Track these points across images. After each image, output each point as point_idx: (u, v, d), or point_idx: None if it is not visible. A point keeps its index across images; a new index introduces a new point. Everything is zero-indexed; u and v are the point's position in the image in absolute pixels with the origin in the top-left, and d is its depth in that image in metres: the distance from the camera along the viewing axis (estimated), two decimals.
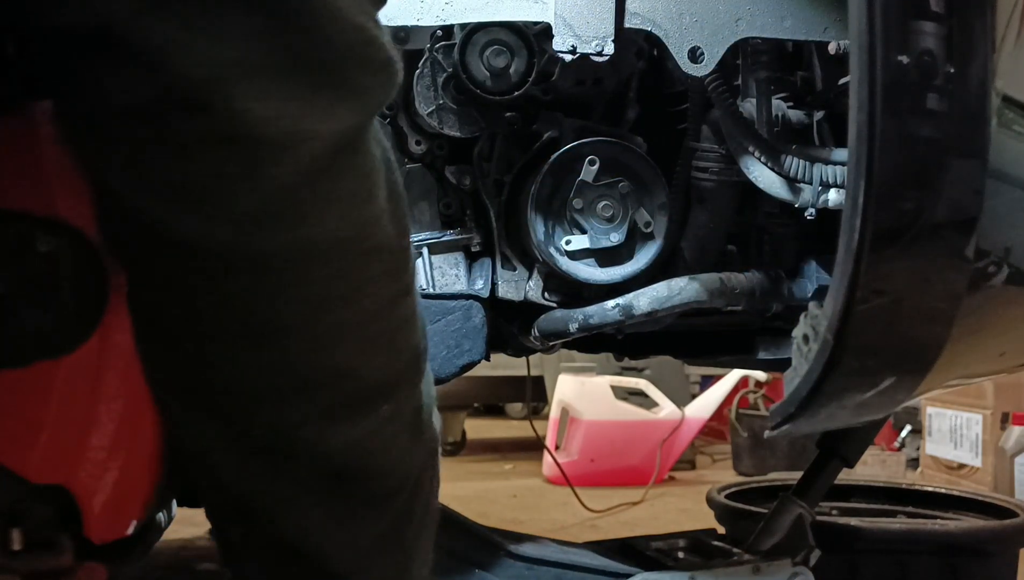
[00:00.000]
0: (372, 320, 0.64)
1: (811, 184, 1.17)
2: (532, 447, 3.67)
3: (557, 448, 3.56)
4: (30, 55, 0.60)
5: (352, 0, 0.57)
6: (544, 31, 1.23)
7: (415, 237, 1.34)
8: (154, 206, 0.57)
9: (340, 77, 0.57)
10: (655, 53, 1.36)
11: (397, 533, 0.73)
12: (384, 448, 0.68)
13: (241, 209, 0.56)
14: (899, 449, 3.72)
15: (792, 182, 1.19)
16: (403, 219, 0.66)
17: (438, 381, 1.30)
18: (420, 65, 1.29)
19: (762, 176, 1.20)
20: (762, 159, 1.20)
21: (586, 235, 1.29)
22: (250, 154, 0.55)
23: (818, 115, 1.29)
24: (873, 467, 3.33)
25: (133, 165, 0.56)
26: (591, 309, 1.30)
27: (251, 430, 0.65)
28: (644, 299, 1.27)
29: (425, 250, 1.35)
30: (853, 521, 1.88)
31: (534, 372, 3.78)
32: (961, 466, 3.28)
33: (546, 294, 1.36)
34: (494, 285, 1.36)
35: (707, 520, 2.00)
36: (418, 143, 1.35)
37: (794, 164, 1.18)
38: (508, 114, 1.33)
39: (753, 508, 1.86)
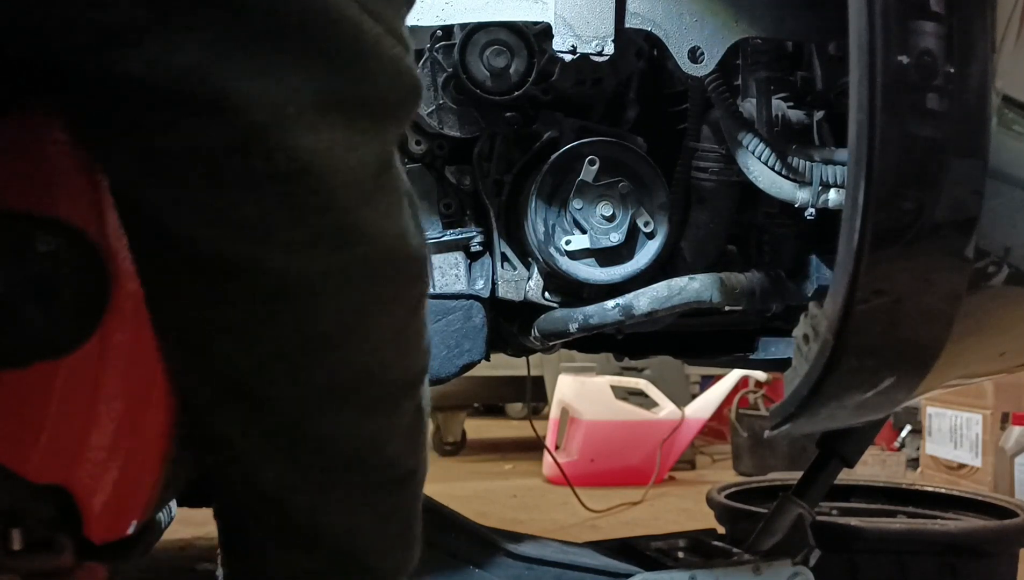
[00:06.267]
0: (404, 324, 0.69)
1: (811, 184, 1.17)
2: (532, 447, 3.67)
3: (557, 448, 3.56)
4: (30, 58, 0.60)
5: (387, 32, 0.60)
6: (544, 31, 1.23)
7: None
8: (214, 239, 0.59)
9: (381, 107, 0.61)
10: (655, 53, 1.36)
11: (410, 516, 0.77)
12: (405, 438, 0.73)
13: (301, 236, 0.60)
14: (899, 449, 3.72)
15: (792, 182, 1.19)
16: (421, 226, 0.70)
17: (438, 381, 1.30)
18: (420, 65, 1.29)
19: (762, 176, 1.20)
20: (762, 158, 1.20)
21: (586, 235, 1.29)
22: (311, 186, 0.58)
23: (818, 115, 1.29)
24: (873, 467, 3.33)
25: (197, 204, 0.58)
26: (591, 309, 1.30)
27: (298, 434, 0.68)
28: (644, 299, 1.27)
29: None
30: (853, 521, 1.87)
31: (534, 372, 3.78)
32: (961, 466, 3.28)
33: (546, 294, 1.36)
34: (494, 285, 1.36)
35: (707, 520, 2.00)
36: (418, 143, 1.35)
37: (793, 164, 1.18)
38: (508, 114, 1.33)
39: (753, 508, 1.86)
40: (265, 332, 0.63)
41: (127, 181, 0.61)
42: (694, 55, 1.17)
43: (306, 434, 0.68)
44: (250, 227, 0.59)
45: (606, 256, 1.31)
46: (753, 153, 1.20)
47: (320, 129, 0.58)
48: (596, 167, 1.28)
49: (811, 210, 1.18)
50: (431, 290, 1.33)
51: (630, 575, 1.45)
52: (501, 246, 1.36)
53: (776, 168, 1.19)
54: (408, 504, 0.77)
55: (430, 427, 4.26)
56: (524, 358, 1.75)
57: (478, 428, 4.69)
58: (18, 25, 0.55)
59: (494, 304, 1.37)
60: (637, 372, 3.85)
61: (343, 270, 0.62)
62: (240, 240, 0.59)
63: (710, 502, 1.99)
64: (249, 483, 0.71)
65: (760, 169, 1.20)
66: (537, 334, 1.38)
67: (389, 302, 0.67)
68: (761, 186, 1.21)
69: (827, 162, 1.18)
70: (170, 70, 0.54)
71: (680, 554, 1.60)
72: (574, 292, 1.35)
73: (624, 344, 1.61)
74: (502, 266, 1.36)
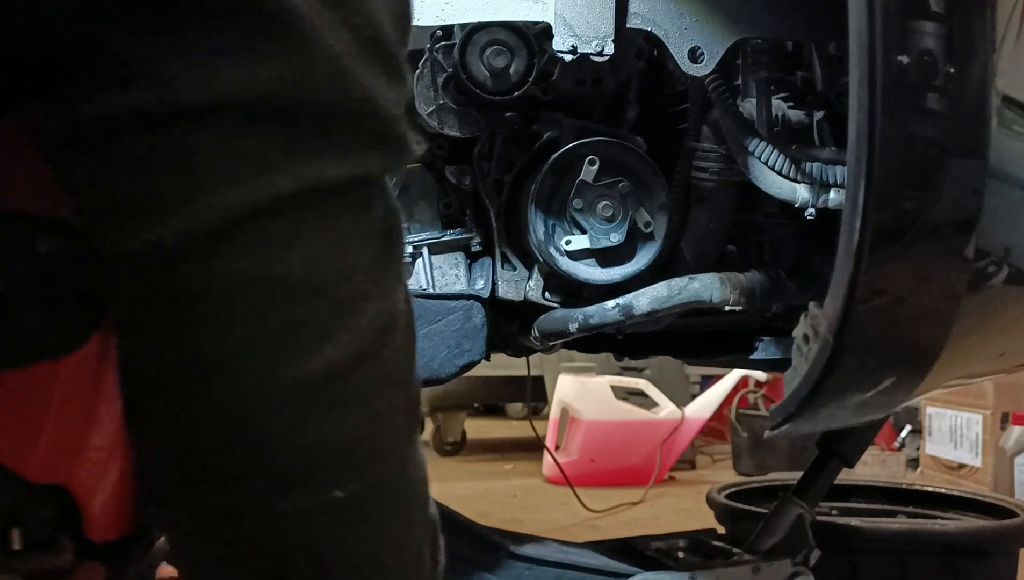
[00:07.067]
0: (326, 381, 0.58)
1: (811, 184, 1.17)
2: (532, 447, 3.67)
3: (557, 448, 3.56)
4: (30, 56, 0.60)
5: (367, 70, 0.56)
6: (544, 31, 1.23)
7: (415, 237, 1.34)
8: (105, 218, 0.57)
9: (321, 134, 0.56)
10: (655, 53, 1.36)
11: None
12: (348, 533, 0.61)
13: (183, 232, 0.55)
14: (899, 449, 3.73)
15: (792, 182, 1.19)
16: (387, 283, 0.62)
17: (438, 381, 1.30)
18: (420, 65, 1.29)
19: (762, 176, 1.20)
20: (762, 158, 1.20)
21: (586, 235, 1.29)
22: (202, 179, 0.54)
23: (818, 115, 1.29)
24: (873, 467, 3.33)
25: (90, 178, 0.56)
26: (591, 309, 1.30)
27: (194, 489, 0.60)
28: (644, 299, 1.27)
29: (425, 250, 1.35)
30: (853, 521, 1.88)
31: (534, 372, 3.78)
32: (961, 466, 3.28)
33: (546, 294, 1.36)
34: (494, 285, 1.36)
35: (707, 520, 2.01)
36: (418, 143, 1.35)
37: (794, 164, 1.18)
38: (508, 114, 1.33)
39: (753, 508, 1.86)
40: (142, 345, 0.59)
41: (53, 160, 0.59)
42: (694, 55, 1.17)
43: (199, 497, 0.60)
44: (137, 207, 0.55)
45: (606, 256, 1.31)
46: (753, 153, 1.20)
47: (233, 128, 0.54)
48: (596, 167, 1.28)
49: (811, 210, 1.18)
50: (431, 290, 1.33)
51: (630, 575, 1.45)
52: (501, 246, 1.36)
53: (776, 168, 1.19)
54: None
55: (429, 427, 4.27)
56: (524, 358, 1.75)
57: (478, 428, 4.69)
58: None
59: (494, 304, 1.37)
60: (637, 372, 3.85)
61: (229, 284, 0.56)
62: (125, 221, 0.56)
63: (710, 502, 1.99)
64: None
65: (760, 169, 1.20)
66: (537, 334, 1.38)
67: (292, 345, 0.57)
68: (761, 186, 1.21)
69: (827, 162, 1.18)
70: (97, 38, 0.53)
71: (680, 554, 1.60)
72: (574, 292, 1.35)
73: (624, 344, 1.61)
74: (502, 266, 1.36)
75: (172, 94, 0.53)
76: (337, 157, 0.57)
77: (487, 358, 1.35)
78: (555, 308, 1.35)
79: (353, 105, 0.57)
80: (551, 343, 1.41)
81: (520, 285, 1.36)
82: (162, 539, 0.80)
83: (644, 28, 1.18)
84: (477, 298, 1.32)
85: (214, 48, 0.53)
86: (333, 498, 0.59)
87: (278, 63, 0.54)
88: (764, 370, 3.26)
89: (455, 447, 4.18)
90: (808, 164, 1.18)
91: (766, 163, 1.19)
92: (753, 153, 1.20)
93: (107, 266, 0.59)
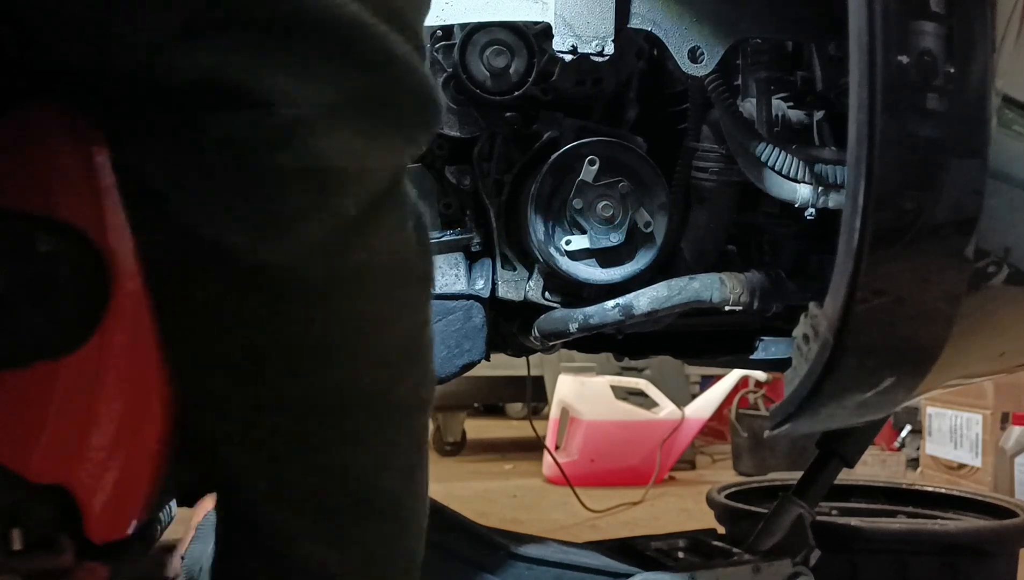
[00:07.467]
0: (408, 342, 0.69)
1: (811, 184, 1.17)
2: (532, 447, 3.67)
3: (557, 448, 3.56)
4: (33, 54, 0.60)
5: (408, 42, 0.62)
6: (544, 31, 1.23)
7: None
8: (229, 233, 0.60)
9: (399, 117, 0.63)
10: (655, 53, 1.36)
11: (408, 548, 0.75)
12: (402, 473, 0.71)
13: (311, 236, 0.60)
14: (899, 449, 3.72)
15: (792, 182, 1.19)
16: (427, 245, 0.71)
17: (438, 381, 1.30)
18: None
19: (762, 176, 1.20)
20: (762, 158, 1.20)
21: (586, 235, 1.29)
22: (325, 185, 0.60)
23: (818, 115, 1.29)
24: (873, 467, 3.33)
25: (223, 197, 0.60)
26: (591, 309, 1.30)
27: (287, 448, 0.67)
28: (644, 299, 1.27)
29: None
30: (853, 521, 1.88)
31: (534, 372, 3.78)
32: (961, 466, 3.28)
33: (546, 294, 1.36)
34: (494, 285, 1.36)
35: (707, 520, 2.00)
36: None
37: (794, 164, 1.18)
38: (508, 114, 1.33)
39: (753, 508, 1.86)
40: (268, 333, 0.63)
41: (157, 179, 0.61)
42: (694, 55, 1.17)
43: (296, 450, 0.67)
44: (270, 223, 0.60)
45: (606, 256, 1.31)
46: (753, 153, 1.20)
47: (342, 131, 0.59)
48: (596, 167, 1.28)
49: (811, 210, 1.18)
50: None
51: (630, 575, 1.45)
52: (501, 246, 1.36)
53: (776, 168, 1.19)
54: (401, 548, 0.74)
55: (430, 427, 4.27)
56: (524, 358, 1.75)
57: (478, 428, 4.69)
58: (67, 37, 0.57)
59: (494, 304, 1.37)
60: (637, 372, 3.85)
61: (345, 277, 0.63)
62: (258, 236, 0.60)
63: (710, 502, 1.99)
64: (232, 493, 0.70)
65: (760, 169, 1.20)
66: (537, 334, 1.38)
67: (392, 317, 0.67)
68: (761, 186, 1.21)
69: (827, 162, 1.18)
70: (207, 68, 0.56)
71: (680, 554, 1.60)
72: (574, 292, 1.35)
73: (624, 344, 1.61)
74: (502, 266, 1.36)
75: (295, 109, 0.58)
76: (412, 143, 0.66)
77: (487, 358, 1.35)
78: (555, 308, 1.35)
79: (422, 95, 0.64)
80: (551, 343, 1.41)
81: (520, 285, 1.36)
82: (161, 539, 0.80)
83: (644, 28, 1.18)
84: (477, 298, 1.32)
85: (323, 63, 0.59)
86: (409, 436, 0.72)
87: (368, 71, 0.60)
88: (764, 370, 3.26)
89: (455, 447, 4.18)
90: (808, 164, 1.18)
91: (766, 163, 1.19)
92: (753, 153, 1.20)
93: (210, 270, 0.62)
